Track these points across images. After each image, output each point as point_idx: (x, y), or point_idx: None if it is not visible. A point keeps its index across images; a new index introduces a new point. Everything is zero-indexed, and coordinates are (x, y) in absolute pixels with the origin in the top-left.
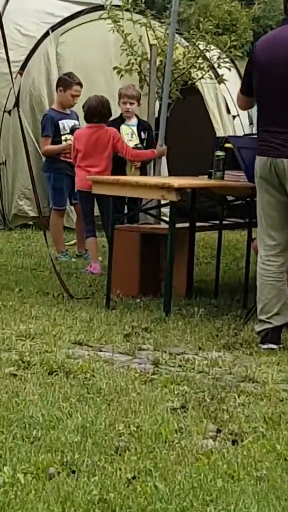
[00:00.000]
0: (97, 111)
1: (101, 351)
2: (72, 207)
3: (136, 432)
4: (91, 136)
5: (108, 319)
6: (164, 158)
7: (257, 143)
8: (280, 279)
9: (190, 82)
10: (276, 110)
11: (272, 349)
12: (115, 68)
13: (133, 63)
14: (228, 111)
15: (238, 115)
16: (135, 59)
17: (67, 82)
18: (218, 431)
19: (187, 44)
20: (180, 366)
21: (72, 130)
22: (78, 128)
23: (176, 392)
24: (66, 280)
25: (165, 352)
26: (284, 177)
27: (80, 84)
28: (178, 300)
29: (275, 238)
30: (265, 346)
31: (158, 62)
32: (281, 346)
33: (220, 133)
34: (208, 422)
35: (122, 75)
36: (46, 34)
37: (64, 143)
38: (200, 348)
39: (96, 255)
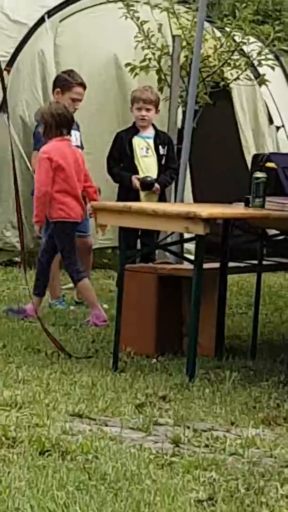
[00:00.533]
0: (68, 119)
1: (106, 425)
2: None
3: None
4: (71, 152)
5: (116, 384)
6: (188, 180)
7: None
8: None
9: (222, 83)
10: None
11: None
12: (127, 65)
13: (150, 59)
14: (271, 121)
15: (283, 125)
16: (153, 54)
17: (66, 82)
18: None
19: (219, 35)
20: (207, 446)
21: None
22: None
23: (202, 480)
24: (62, 334)
25: (188, 428)
26: None
27: (83, 86)
28: (205, 362)
29: None
30: None
31: (182, 58)
32: None
33: (250, 151)
34: None
35: (136, 74)
36: (41, 20)
37: None
38: (232, 424)
39: (95, 299)
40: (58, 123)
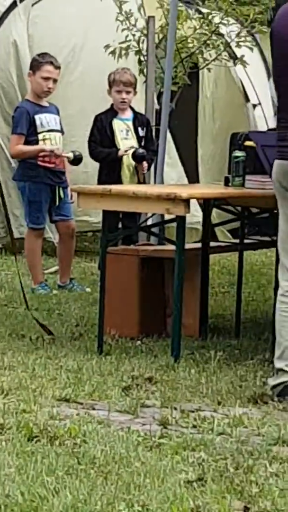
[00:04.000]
0: None
1: (94, 409)
2: (53, 226)
3: None
4: None
5: (102, 367)
6: (178, 161)
7: (277, 142)
8: None
9: (200, 64)
10: None
11: None
12: (106, 46)
13: (130, 41)
14: (247, 99)
15: (259, 103)
16: (133, 35)
17: (36, 62)
18: (246, 509)
19: (198, 16)
20: (194, 426)
21: (74, 161)
22: (79, 155)
23: (190, 460)
24: (46, 318)
25: (175, 409)
26: None
27: (54, 65)
28: (190, 342)
29: None
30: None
31: (161, 39)
32: None
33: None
34: (232, 498)
35: (119, 56)
36: (13, 5)
37: (41, 143)
38: (219, 403)
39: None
40: None
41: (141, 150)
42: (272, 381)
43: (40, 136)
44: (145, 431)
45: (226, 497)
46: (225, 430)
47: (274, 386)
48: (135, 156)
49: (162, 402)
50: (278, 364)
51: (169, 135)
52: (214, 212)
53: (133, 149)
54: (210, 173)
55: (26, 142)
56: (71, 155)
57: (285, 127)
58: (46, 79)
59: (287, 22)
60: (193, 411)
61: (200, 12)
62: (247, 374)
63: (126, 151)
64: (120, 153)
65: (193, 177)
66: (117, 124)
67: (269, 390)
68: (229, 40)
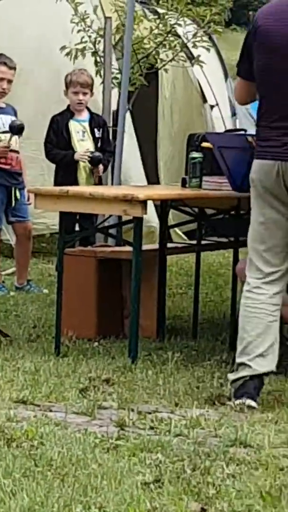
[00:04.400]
0: None
1: (51, 411)
2: (10, 227)
3: None
4: None
5: (59, 369)
6: (139, 164)
7: (258, 142)
8: (271, 313)
9: (157, 65)
10: None
11: (250, 407)
12: (62, 48)
13: (86, 42)
14: (205, 100)
15: (217, 104)
16: (89, 36)
17: None
18: (203, 510)
19: (154, 17)
20: (152, 428)
21: (13, 129)
22: (20, 125)
23: (148, 462)
24: (4, 320)
25: (133, 410)
26: None
27: (7, 65)
28: (147, 343)
29: (273, 263)
30: (239, 401)
31: (117, 40)
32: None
33: (165, 134)
34: (189, 500)
35: (75, 57)
36: None
37: None
38: (176, 405)
39: None
40: None
41: (97, 154)
42: (232, 376)
43: None
44: (102, 432)
45: (183, 499)
46: (182, 432)
47: (234, 381)
48: (91, 160)
49: (119, 403)
50: (239, 359)
51: (134, 136)
52: (170, 213)
53: (88, 153)
54: (169, 174)
55: None
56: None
57: (269, 127)
58: (0, 79)
59: (277, 18)
60: (150, 413)
61: (156, 13)
62: (205, 375)
63: (82, 155)
64: (76, 156)
65: (153, 178)
66: (73, 126)
67: (230, 384)
68: (185, 40)
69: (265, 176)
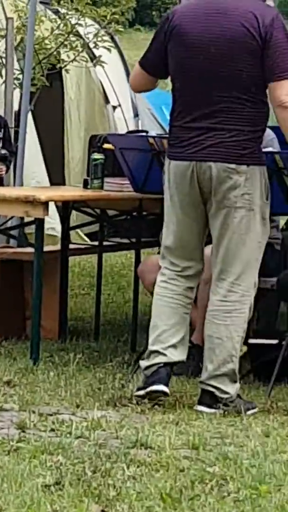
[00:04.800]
0: None
1: None
2: None
3: None
4: None
5: None
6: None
7: (171, 143)
8: (185, 305)
9: (59, 65)
10: (208, 99)
11: (163, 392)
12: None
13: None
14: (107, 101)
15: (119, 105)
16: None
17: None
18: None
19: (54, 17)
20: (53, 430)
21: None
22: None
23: (48, 464)
24: None
25: (34, 412)
26: (210, 188)
27: None
28: (49, 345)
29: (188, 259)
30: (153, 388)
31: (19, 40)
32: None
33: (77, 134)
34: (90, 502)
35: None
36: None
37: None
38: (78, 406)
39: None
40: None
41: (3, 151)
42: (145, 363)
43: None
44: (3, 435)
45: (84, 501)
46: (83, 434)
47: (147, 368)
48: None
49: (20, 405)
50: (153, 347)
51: (36, 136)
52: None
53: None
54: (78, 175)
55: None
56: None
57: (183, 127)
58: None
59: (194, 18)
60: (51, 415)
61: (57, 13)
62: (106, 377)
63: None
64: None
65: (57, 179)
66: None
67: (142, 372)
68: (87, 41)
69: (179, 177)
